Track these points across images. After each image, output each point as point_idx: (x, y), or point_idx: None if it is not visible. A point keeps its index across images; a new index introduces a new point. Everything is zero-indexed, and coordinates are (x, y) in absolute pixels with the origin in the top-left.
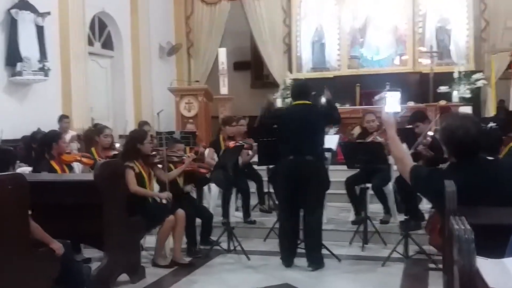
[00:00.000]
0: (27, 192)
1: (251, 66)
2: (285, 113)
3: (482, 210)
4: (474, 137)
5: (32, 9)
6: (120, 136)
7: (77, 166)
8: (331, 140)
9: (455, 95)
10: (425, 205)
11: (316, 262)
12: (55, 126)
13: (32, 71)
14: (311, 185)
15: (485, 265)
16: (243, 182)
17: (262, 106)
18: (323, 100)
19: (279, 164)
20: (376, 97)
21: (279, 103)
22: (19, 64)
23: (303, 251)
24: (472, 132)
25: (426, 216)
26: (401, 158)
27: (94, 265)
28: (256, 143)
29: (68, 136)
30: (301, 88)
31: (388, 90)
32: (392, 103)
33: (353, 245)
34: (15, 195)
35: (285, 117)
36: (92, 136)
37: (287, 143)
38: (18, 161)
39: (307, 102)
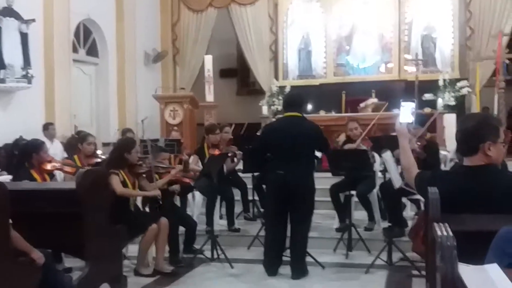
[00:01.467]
0: (7, 200)
1: (237, 73)
2: (275, 126)
3: (467, 217)
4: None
5: (16, 16)
6: (104, 144)
7: (58, 174)
8: None
9: (440, 102)
10: (409, 212)
11: (300, 271)
12: (38, 134)
13: (15, 78)
14: (301, 197)
15: (467, 272)
16: (228, 190)
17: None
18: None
19: (268, 176)
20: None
21: (265, 110)
22: (2, 72)
23: (287, 259)
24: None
25: (410, 223)
26: (409, 168)
27: (75, 275)
28: (240, 151)
29: (55, 145)
30: (294, 99)
31: (403, 101)
32: (406, 114)
33: (337, 253)
34: None
35: (275, 130)
36: (75, 144)
37: (276, 156)
38: None
39: (298, 114)
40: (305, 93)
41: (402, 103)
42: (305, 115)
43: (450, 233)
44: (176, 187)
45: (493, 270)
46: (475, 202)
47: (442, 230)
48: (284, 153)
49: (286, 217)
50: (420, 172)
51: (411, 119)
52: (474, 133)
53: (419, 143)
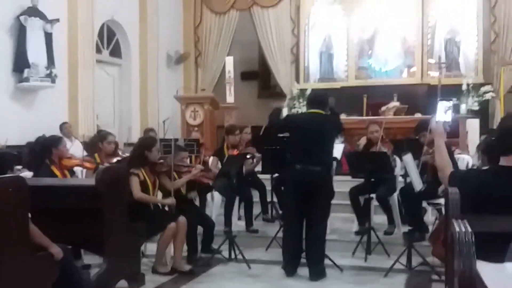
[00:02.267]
0: (27, 195)
1: (258, 76)
2: (297, 120)
3: (488, 218)
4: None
5: (41, 15)
6: (125, 144)
7: (80, 171)
8: (336, 149)
9: (463, 107)
10: (430, 217)
11: (318, 272)
12: (60, 133)
13: (39, 77)
14: (318, 195)
15: (486, 269)
16: (247, 191)
17: (270, 113)
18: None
19: (286, 172)
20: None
21: (285, 113)
22: (26, 70)
23: (305, 260)
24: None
25: (430, 228)
26: (444, 167)
27: (94, 271)
28: (259, 153)
29: (75, 144)
30: (317, 97)
31: (441, 100)
32: (443, 112)
33: (356, 256)
34: (15, 198)
35: (296, 124)
36: (96, 143)
37: (295, 151)
38: (21, 167)
39: (321, 111)
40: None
41: (439, 102)
42: None
43: (469, 229)
44: (193, 194)
45: None
46: (506, 201)
47: (461, 226)
48: (302, 147)
49: (302, 216)
50: (454, 171)
51: (448, 117)
52: None
53: (430, 150)
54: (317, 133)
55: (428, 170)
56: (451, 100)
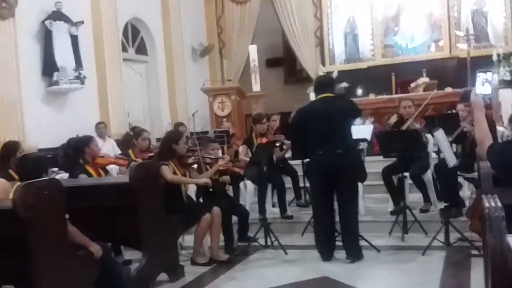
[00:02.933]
0: (63, 196)
1: (283, 62)
2: (308, 109)
3: None
4: None
5: (65, 19)
6: (158, 139)
7: (114, 169)
8: (366, 130)
9: (495, 78)
10: (466, 192)
11: (354, 254)
12: (93, 133)
13: (69, 80)
14: (344, 177)
15: None
16: (278, 178)
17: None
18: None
19: (309, 160)
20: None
21: (312, 97)
22: (55, 74)
23: (341, 243)
24: None
25: (467, 203)
26: (482, 141)
27: (135, 266)
28: (288, 139)
29: (107, 143)
30: (323, 81)
31: (479, 71)
32: (483, 85)
33: (392, 236)
34: (52, 200)
35: (309, 112)
36: (130, 140)
37: (315, 138)
38: (57, 168)
39: (330, 94)
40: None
41: (479, 74)
42: (355, 99)
43: (499, 204)
44: (226, 178)
45: None
46: None
47: (491, 202)
48: (321, 133)
49: (331, 199)
50: (492, 144)
51: (487, 90)
52: None
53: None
54: (331, 116)
55: (467, 142)
56: (490, 71)
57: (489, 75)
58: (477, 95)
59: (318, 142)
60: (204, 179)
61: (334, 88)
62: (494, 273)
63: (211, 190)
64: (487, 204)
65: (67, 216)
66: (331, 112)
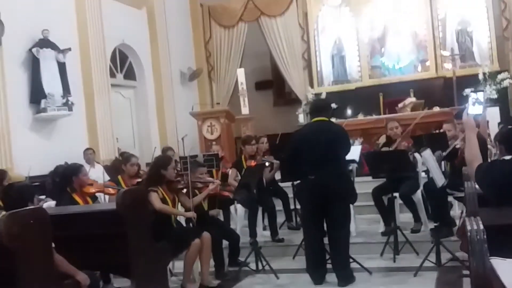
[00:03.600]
0: (49, 225)
1: (272, 84)
2: (302, 132)
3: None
4: None
5: (53, 46)
6: (147, 164)
7: (103, 196)
8: (354, 151)
9: (470, 100)
10: (457, 211)
11: (346, 278)
12: (82, 160)
13: (56, 106)
14: (336, 202)
15: (503, 266)
16: (269, 200)
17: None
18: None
19: (300, 183)
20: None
21: (301, 118)
22: (43, 101)
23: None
24: None
25: (458, 222)
26: (471, 161)
27: None
28: (277, 160)
29: (97, 169)
30: (319, 105)
31: (472, 91)
32: (475, 105)
33: (384, 257)
34: (37, 229)
35: (302, 136)
36: (119, 166)
37: (308, 161)
38: (44, 196)
39: (325, 118)
40: (340, 99)
41: (471, 94)
42: (343, 120)
43: (481, 227)
44: (215, 212)
45: None
46: None
47: (473, 224)
48: (314, 157)
49: (322, 223)
50: (480, 164)
51: (480, 110)
52: None
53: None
54: (325, 141)
55: (458, 159)
56: (482, 90)
57: (480, 95)
58: (469, 115)
59: (310, 165)
60: (190, 213)
61: (330, 112)
62: None
63: (196, 219)
64: (469, 227)
65: (53, 245)
66: (325, 137)
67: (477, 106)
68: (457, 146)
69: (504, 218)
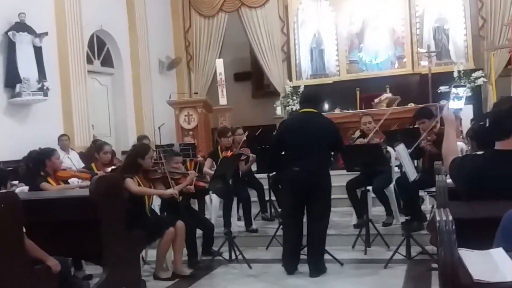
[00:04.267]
0: (20, 210)
1: (251, 76)
2: (290, 123)
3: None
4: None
5: (29, 30)
6: (123, 152)
7: (76, 182)
8: None
9: (449, 94)
10: (428, 206)
11: (318, 269)
12: (57, 146)
13: (31, 91)
14: (317, 194)
15: (470, 257)
16: (244, 191)
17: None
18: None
19: (284, 173)
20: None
21: (279, 111)
22: (18, 85)
23: (305, 257)
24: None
25: (428, 216)
26: (447, 155)
27: (95, 281)
28: (253, 153)
29: (72, 155)
30: (309, 96)
31: (454, 86)
32: (456, 100)
33: (356, 249)
34: (8, 214)
35: (290, 126)
36: (92, 153)
37: (292, 152)
38: (17, 181)
39: (314, 110)
40: (322, 91)
41: (453, 89)
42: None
43: (450, 218)
44: (190, 187)
45: (498, 254)
46: (502, 186)
47: (442, 215)
48: (299, 149)
49: (302, 214)
50: (454, 158)
51: (461, 105)
52: (508, 116)
53: (429, 137)
54: (312, 133)
55: (425, 158)
56: (464, 85)
57: (460, 90)
58: (449, 110)
59: (295, 157)
60: (170, 190)
61: (320, 104)
62: (445, 285)
63: (177, 202)
64: (438, 218)
65: (24, 230)
66: (312, 128)
67: (457, 101)
68: (421, 145)
69: (473, 212)
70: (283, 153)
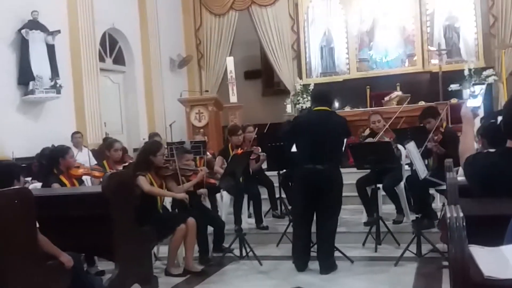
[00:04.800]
0: (33, 205)
1: (261, 74)
2: (303, 120)
3: (490, 201)
4: None
5: (42, 28)
6: (135, 150)
7: (89, 179)
8: None
9: (466, 92)
10: (438, 204)
11: (328, 266)
12: (69, 143)
13: (44, 89)
14: (328, 192)
15: (481, 254)
16: (254, 189)
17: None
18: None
19: (294, 171)
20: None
21: (289, 109)
22: (31, 83)
23: (315, 254)
24: None
25: (439, 214)
26: (463, 154)
27: (108, 277)
28: (263, 153)
29: (84, 153)
30: (322, 94)
31: (474, 84)
32: (472, 98)
33: (366, 247)
34: (22, 209)
35: (302, 124)
36: (103, 150)
37: (304, 150)
38: (30, 178)
39: (327, 108)
40: (332, 89)
41: (474, 87)
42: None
43: (461, 214)
44: (203, 191)
45: (509, 250)
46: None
47: (453, 212)
48: (312, 147)
49: (313, 212)
50: (468, 156)
51: (479, 102)
52: None
53: (435, 137)
54: (324, 131)
55: (434, 157)
56: (483, 83)
57: (477, 88)
58: (466, 108)
59: (307, 155)
60: (182, 194)
61: (332, 103)
62: (456, 282)
63: (187, 205)
64: (449, 214)
65: (37, 225)
66: (325, 127)
67: (473, 99)
68: (428, 147)
69: (483, 209)
70: (295, 151)
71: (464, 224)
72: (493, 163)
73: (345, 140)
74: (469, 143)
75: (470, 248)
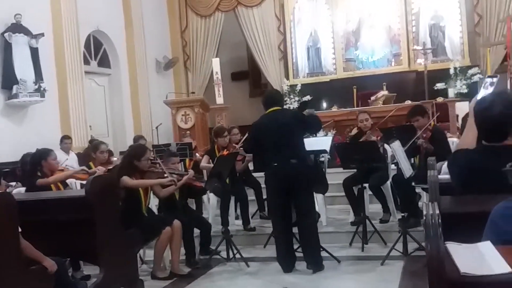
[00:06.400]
0: (16, 210)
1: (248, 75)
2: (260, 123)
3: (470, 198)
4: (497, 120)
5: (25, 31)
6: (121, 153)
7: (74, 183)
8: (325, 142)
9: (452, 91)
10: (424, 202)
11: (314, 263)
12: (55, 147)
13: (28, 93)
14: (298, 188)
15: (458, 251)
16: (241, 190)
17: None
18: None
19: (265, 173)
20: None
21: None
22: (15, 87)
23: (302, 254)
24: (496, 113)
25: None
26: (461, 147)
27: (93, 281)
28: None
29: (71, 157)
30: (271, 96)
31: (488, 77)
32: (486, 91)
33: (353, 246)
34: (4, 214)
35: (260, 127)
36: (89, 153)
37: (268, 150)
38: (14, 183)
39: (279, 107)
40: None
41: (487, 79)
42: (318, 111)
43: (437, 211)
44: (190, 172)
45: (486, 247)
46: (492, 180)
47: (429, 209)
48: (273, 145)
49: (289, 210)
50: (454, 152)
51: None
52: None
53: (424, 135)
54: (280, 126)
55: (421, 154)
56: (496, 76)
57: (488, 80)
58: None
59: (271, 153)
60: (168, 178)
61: (282, 102)
62: (431, 279)
63: (174, 201)
64: (425, 212)
65: (20, 230)
66: (281, 123)
67: (486, 90)
68: (418, 143)
69: (463, 206)
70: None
71: (440, 221)
72: (472, 160)
73: (303, 131)
74: (469, 139)
75: (447, 245)
